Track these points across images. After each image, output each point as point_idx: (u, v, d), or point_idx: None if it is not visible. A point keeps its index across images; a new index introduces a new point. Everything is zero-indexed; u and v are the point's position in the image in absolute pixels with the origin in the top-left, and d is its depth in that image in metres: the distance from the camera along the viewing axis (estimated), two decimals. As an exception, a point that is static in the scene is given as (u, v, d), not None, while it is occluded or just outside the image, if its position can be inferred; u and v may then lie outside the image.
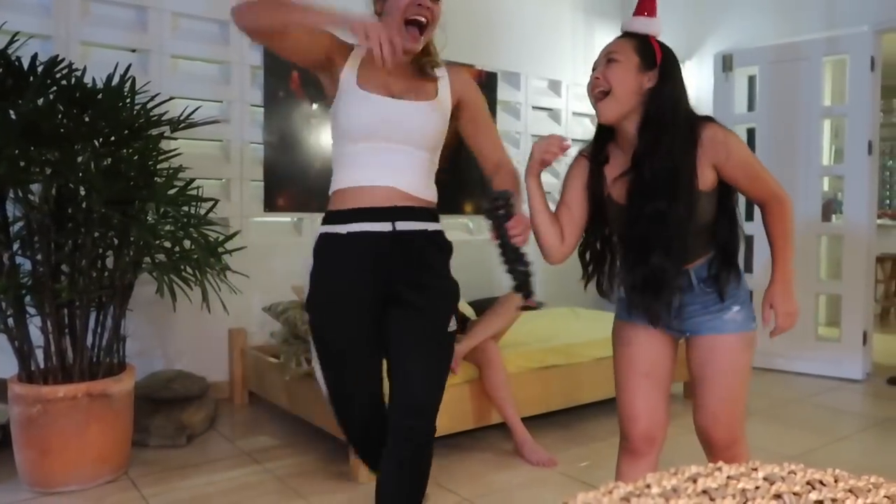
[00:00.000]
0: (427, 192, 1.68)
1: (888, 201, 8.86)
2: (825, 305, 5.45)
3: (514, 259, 1.49)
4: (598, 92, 1.61)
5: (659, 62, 1.61)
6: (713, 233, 1.67)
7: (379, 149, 1.60)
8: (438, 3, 1.64)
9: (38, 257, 2.56)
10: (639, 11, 1.67)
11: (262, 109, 3.81)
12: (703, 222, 1.63)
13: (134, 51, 3.45)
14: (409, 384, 1.59)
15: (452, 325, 1.67)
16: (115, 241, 2.65)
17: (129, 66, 2.78)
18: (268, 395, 3.42)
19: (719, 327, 1.66)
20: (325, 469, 2.76)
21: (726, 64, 4.77)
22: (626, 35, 1.66)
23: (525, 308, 1.63)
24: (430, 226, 1.67)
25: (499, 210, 1.48)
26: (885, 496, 0.50)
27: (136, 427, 2.86)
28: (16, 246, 2.60)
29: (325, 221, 1.66)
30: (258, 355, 3.51)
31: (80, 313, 2.60)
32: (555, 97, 5.12)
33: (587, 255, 1.77)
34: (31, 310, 2.60)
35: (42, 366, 2.61)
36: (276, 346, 3.38)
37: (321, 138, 3.99)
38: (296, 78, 3.89)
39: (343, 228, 1.60)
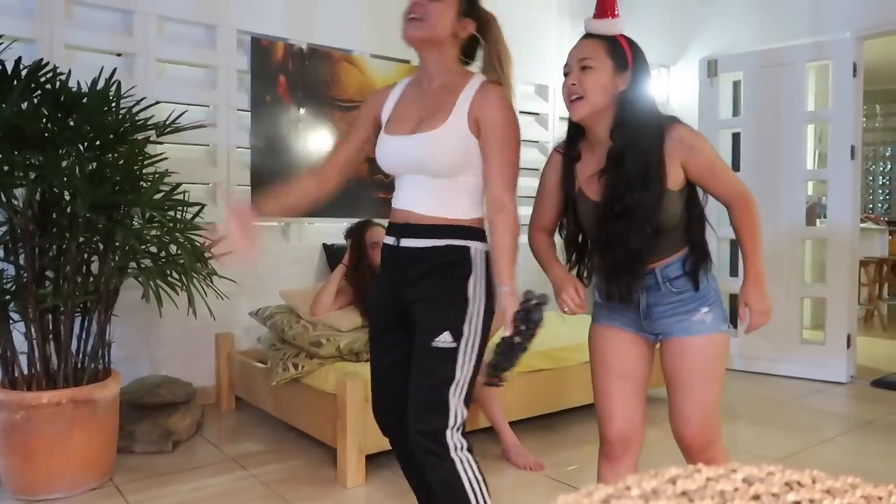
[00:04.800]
0: (448, 211, 1.69)
1: (871, 205, 8.95)
2: (810, 308, 5.51)
3: (508, 351, 1.54)
4: (573, 95, 1.63)
5: (631, 64, 1.64)
6: (682, 233, 1.70)
7: (404, 180, 1.74)
8: (438, 2, 1.66)
9: (22, 262, 2.54)
10: (601, 13, 1.67)
11: (248, 114, 3.80)
12: (671, 221, 1.66)
13: (119, 54, 3.43)
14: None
15: (443, 340, 1.64)
16: (101, 246, 2.63)
17: (115, 69, 2.76)
18: (255, 401, 3.41)
19: (688, 329, 1.68)
20: (311, 475, 2.75)
21: (711, 69, 4.81)
22: (593, 37, 1.66)
23: (486, 383, 1.66)
24: (440, 241, 1.68)
25: (534, 314, 1.53)
26: (861, 496, 0.51)
27: (122, 433, 2.84)
28: (-1, 251, 2.58)
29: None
30: (245, 360, 3.50)
31: (64, 319, 2.58)
32: (542, 102, 5.14)
33: (570, 246, 1.82)
34: (15, 315, 2.58)
35: (26, 372, 2.59)
36: (263, 351, 3.37)
37: (308, 143, 3.98)
38: (283, 82, 3.88)
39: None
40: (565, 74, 1.67)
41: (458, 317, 1.66)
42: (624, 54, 1.63)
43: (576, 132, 1.73)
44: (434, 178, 1.68)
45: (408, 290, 1.70)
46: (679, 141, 1.62)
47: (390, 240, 1.75)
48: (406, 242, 1.70)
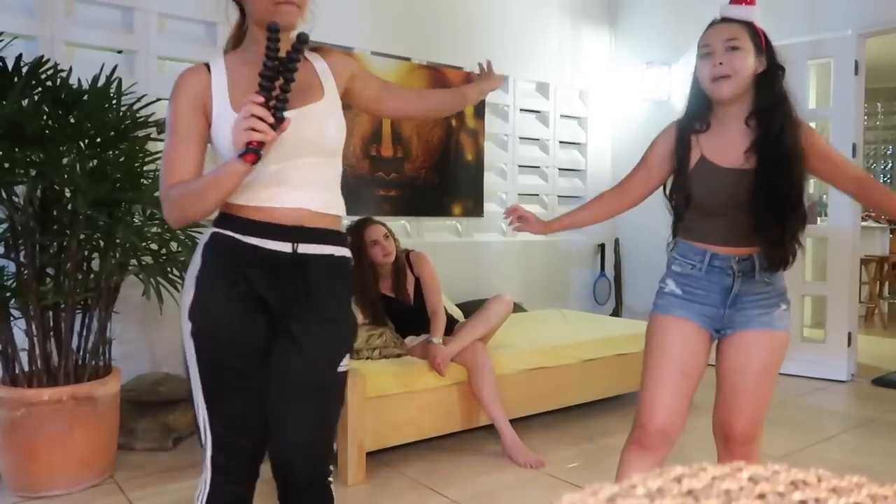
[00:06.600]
0: (336, 207, 1.50)
1: (872, 203, 8.93)
2: (810, 307, 5.50)
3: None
4: (720, 76, 1.69)
5: (765, 48, 1.73)
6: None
7: (279, 168, 1.40)
8: None
9: (23, 259, 2.53)
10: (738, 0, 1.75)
11: (249, 111, 3.79)
12: None
13: (120, 52, 3.43)
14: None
15: (344, 364, 1.51)
16: (101, 243, 2.63)
17: (116, 67, 2.76)
18: (255, 398, 3.40)
19: (769, 322, 1.73)
20: (312, 472, 2.75)
21: (713, 67, 4.80)
22: (731, 21, 1.72)
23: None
24: (337, 250, 1.50)
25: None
26: (867, 495, 0.50)
27: (122, 430, 2.84)
28: (0, 248, 2.58)
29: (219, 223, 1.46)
30: (245, 358, 3.49)
31: (65, 316, 2.58)
32: (542, 99, 5.13)
33: (677, 215, 1.84)
34: (16, 312, 2.58)
35: (27, 369, 2.59)
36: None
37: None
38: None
39: (246, 239, 1.42)
40: (704, 55, 1.72)
41: (351, 338, 1.56)
42: (759, 39, 1.72)
43: (704, 108, 1.77)
44: (324, 159, 1.46)
45: (294, 307, 1.45)
46: (805, 128, 1.73)
47: (274, 245, 1.41)
48: (304, 249, 1.44)
